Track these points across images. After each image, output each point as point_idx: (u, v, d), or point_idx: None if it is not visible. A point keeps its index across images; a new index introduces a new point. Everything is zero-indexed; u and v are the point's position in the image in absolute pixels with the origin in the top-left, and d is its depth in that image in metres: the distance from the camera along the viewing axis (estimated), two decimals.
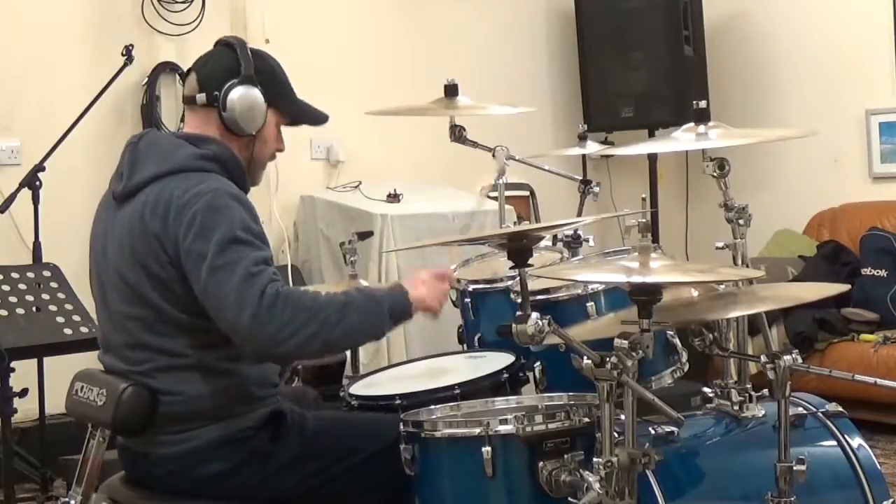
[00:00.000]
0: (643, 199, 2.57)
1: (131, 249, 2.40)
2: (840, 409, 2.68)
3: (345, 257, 3.51)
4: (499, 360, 2.75)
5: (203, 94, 2.51)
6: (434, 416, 2.46)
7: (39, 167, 4.33)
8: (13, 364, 3.73)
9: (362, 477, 2.47)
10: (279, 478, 2.43)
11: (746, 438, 2.64)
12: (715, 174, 2.71)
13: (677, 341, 2.74)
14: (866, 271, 5.51)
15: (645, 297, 2.10)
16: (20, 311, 3.79)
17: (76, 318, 3.85)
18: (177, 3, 5.18)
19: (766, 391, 2.62)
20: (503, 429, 2.25)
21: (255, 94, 2.51)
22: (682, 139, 2.64)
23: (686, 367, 2.76)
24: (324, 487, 2.46)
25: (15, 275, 3.91)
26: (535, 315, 2.19)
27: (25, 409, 4.06)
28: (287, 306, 2.29)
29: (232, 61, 2.52)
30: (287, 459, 2.44)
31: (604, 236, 5.01)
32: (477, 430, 2.26)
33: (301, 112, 2.64)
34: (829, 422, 2.64)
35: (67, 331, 3.81)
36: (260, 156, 2.58)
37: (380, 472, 2.45)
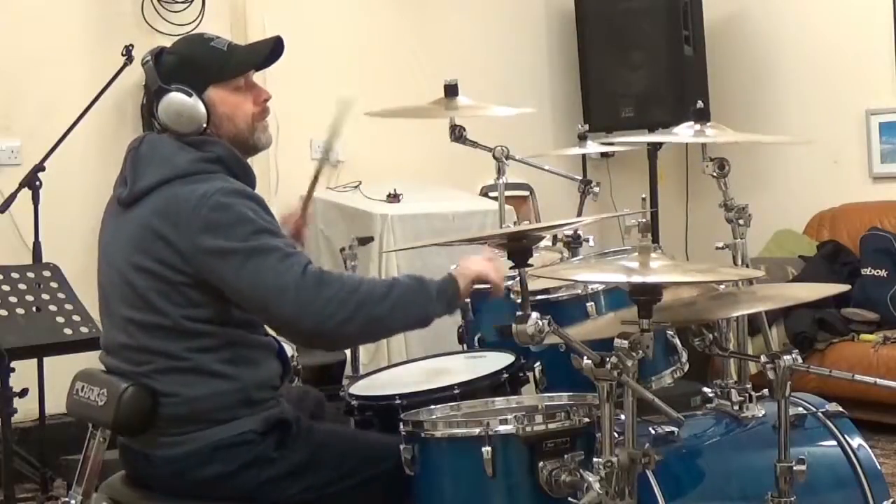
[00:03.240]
0: (643, 199, 2.57)
1: (138, 254, 2.39)
2: (840, 409, 2.69)
3: (345, 263, 3.51)
4: (499, 360, 2.75)
5: (159, 126, 2.51)
6: (434, 416, 2.46)
7: (39, 167, 4.33)
8: (13, 364, 3.73)
9: (366, 495, 2.46)
10: (281, 485, 2.42)
11: (746, 438, 2.64)
12: (715, 174, 2.72)
13: (677, 341, 2.74)
14: (866, 271, 5.51)
15: (645, 297, 2.10)
16: (20, 311, 3.79)
17: (76, 318, 3.85)
18: (177, 3, 5.18)
19: (766, 391, 2.62)
20: (503, 429, 2.25)
21: (172, 99, 2.45)
22: (681, 133, 2.64)
23: (686, 367, 2.76)
24: (325, 500, 2.45)
25: (15, 275, 3.90)
26: (535, 315, 2.18)
27: (25, 409, 4.05)
28: (332, 282, 2.32)
29: (149, 83, 2.51)
30: (291, 467, 2.43)
31: (604, 236, 5.01)
32: (477, 430, 2.26)
33: (247, 61, 2.53)
34: (829, 422, 2.64)
35: (67, 331, 3.81)
36: (235, 132, 2.51)
37: (385, 492, 2.44)
